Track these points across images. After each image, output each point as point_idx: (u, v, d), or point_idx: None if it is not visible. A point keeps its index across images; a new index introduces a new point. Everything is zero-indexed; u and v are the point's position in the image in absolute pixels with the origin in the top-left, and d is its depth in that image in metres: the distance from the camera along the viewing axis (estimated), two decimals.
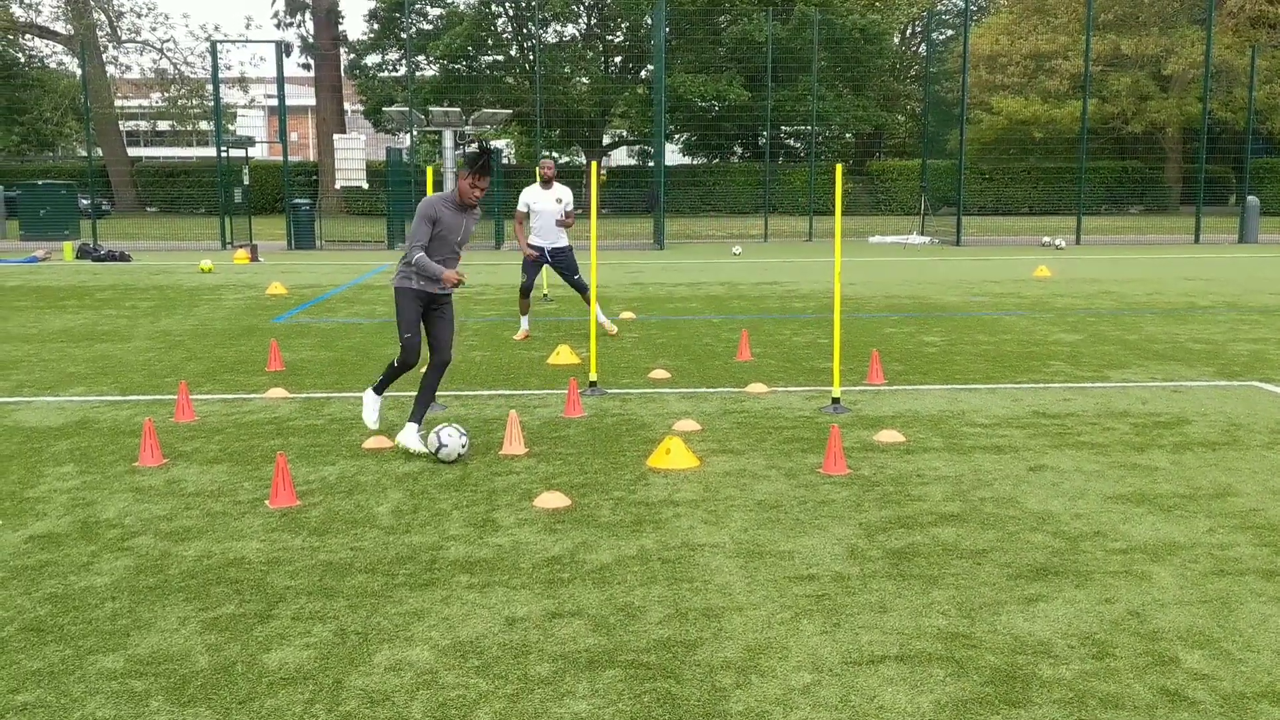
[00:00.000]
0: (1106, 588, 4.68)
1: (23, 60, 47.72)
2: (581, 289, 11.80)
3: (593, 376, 8.91)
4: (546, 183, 11.65)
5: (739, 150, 48.07)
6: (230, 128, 44.50)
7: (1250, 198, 29.81)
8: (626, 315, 13.61)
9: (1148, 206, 44.77)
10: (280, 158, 32.15)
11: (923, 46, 50.00)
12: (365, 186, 32.61)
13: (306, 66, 46.36)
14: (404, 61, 39.25)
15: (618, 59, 47.49)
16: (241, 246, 24.99)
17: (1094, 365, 10.06)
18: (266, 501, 5.94)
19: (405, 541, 5.31)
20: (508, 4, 44.44)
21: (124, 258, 23.89)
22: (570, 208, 11.74)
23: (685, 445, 6.77)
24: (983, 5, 54.37)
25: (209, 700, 3.72)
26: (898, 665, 3.95)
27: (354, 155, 29.37)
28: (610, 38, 47.45)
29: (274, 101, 31.20)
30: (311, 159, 52.28)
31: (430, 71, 44.03)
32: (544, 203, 11.63)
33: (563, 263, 11.76)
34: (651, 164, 34.66)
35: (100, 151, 44.24)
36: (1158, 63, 41.72)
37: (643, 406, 8.37)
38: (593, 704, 3.68)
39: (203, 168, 45.92)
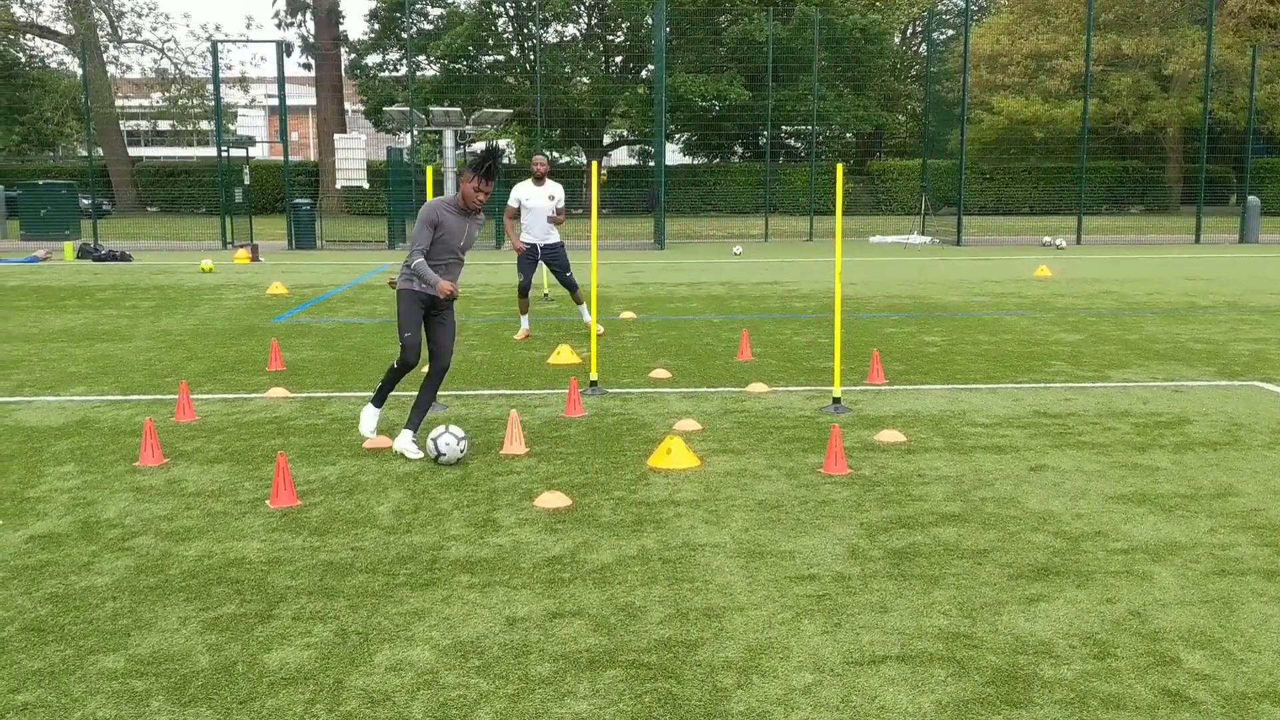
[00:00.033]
0: (1108, 588, 4.68)
1: (23, 60, 47.72)
2: (571, 286, 11.85)
3: (593, 376, 8.91)
4: (539, 179, 11.67)
5: (739, 150, 48.07)
6: (231, 128, 44.51)
7: (1251, 198, 29.81)
8: (627, 315, 13.61)
9: (1148, 206, 44.77)
10: (281, 157, 32.14)
11: (923, 46, 50.01)
12: (366, 186, 32.63)
13: (307, 66, 46.36)
14: (405, 61, 39.23)
15: (618, 59, 47.49)
16: (242, 246, 24.99)
17: (1095, 365, 10.06)
18: (267, 501, 5.94)
19: (406, 541, 5.31)
20: (508, 4, 44.44)
21: (125, 257, 23.89)
22: (561, 204, 11.76)
23: (686, 445, 6.77)
24: (983, 5, 54.36)
25: (210, 700, 3.72)
26: (899, 665, 3.95)
27: (355, 155, 29.38)
28: (611, 37, 47.45)
29: (275, 101, 31.21)
30: (312, 159, 52.29)
31: (431, 71, 44.04)
32: (536, 199, 11.64)
33: (555, 259, 11.80)
34: (652, 164, 34.66)
35: (101, 151, 44.25)
36: (1158, 62, 41.72)
37: (643, 406, 8.37)
38: (594, 704, 3.68)
39: (203, 167, 45.92)
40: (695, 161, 49.53)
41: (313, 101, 50.09)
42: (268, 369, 9.96)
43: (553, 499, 5.87)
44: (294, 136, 60.50)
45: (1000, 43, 44.25)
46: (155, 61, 47.76)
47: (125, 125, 53.62)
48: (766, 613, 4.43)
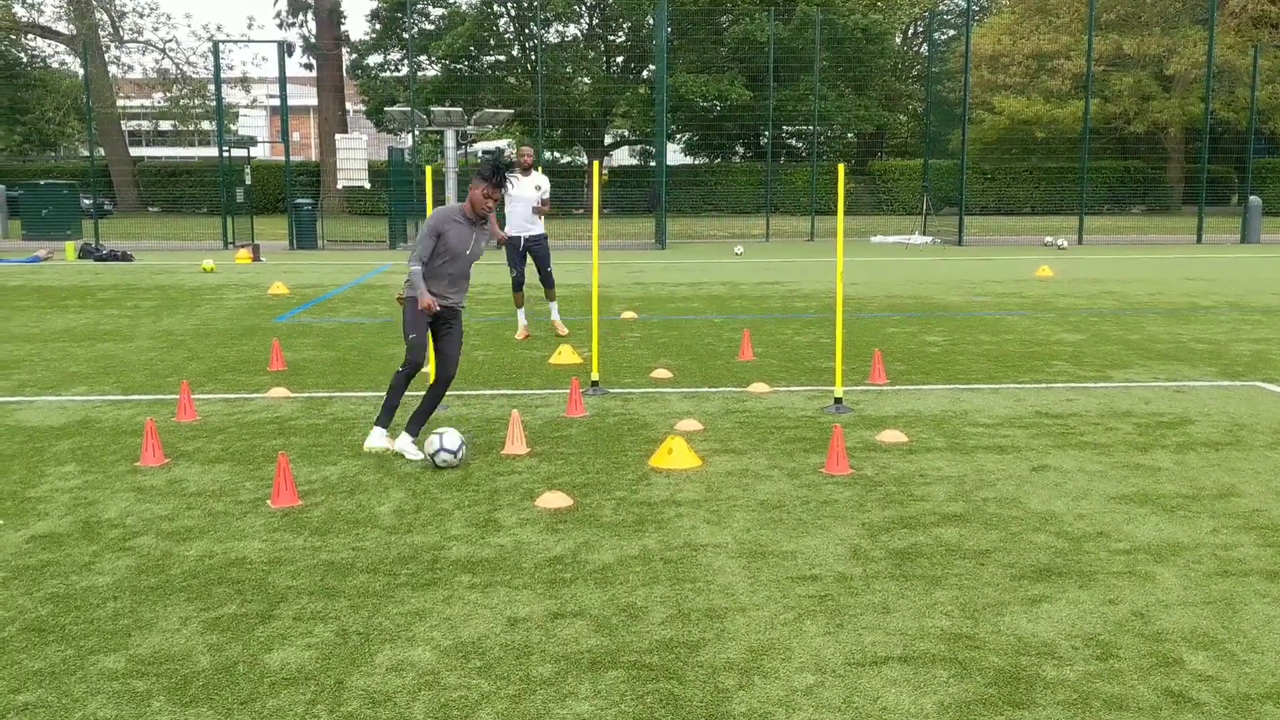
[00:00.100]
0: (1110, 588, 4.67)
1: (25, 60, 47.73)
2: (548, 282, 11.89)
3: (595, 376, 8.91)
4: (525, 170, 11.68)
5: (741, 150, 48.06)
6: (232, 128, 44.42)
7: (1252, 198, 29.79)
8: (628, 315, 13.61)
9: (1150, 206, 44.73)
10: (282, 158, 32.13)
11: (925, 46, 49.99)
12: (367, 186, 32.60)
13: (309, 66, 46.37)
14: (406, 61, 39.24)
15: (619, 59, 47.48)
16: (243, 246, 24.99)
17: (1096, 365, 10.05)
18: (268, 501, 5.94)
19: (407, 541, 5.31)
20: (510, 4, 44.44)
21: (126, 257, 23.90)
22: (547, 195, 11.78)
23: (687, 445, 6.76)
24: (985, 5, 54.34)
25: (210, 700, 3.72)
26: (901, 666, 3.94)
27: (356, 155, 29.38)
28: (612, 38, 47.44)
29: (276, 101, 31.22)
30: (313, 159, 52.30)
31: (432, 71, 44.05)
32: (521, 189, 11.67)
33: (538, 252, 11.83)
34: (653, 164, 34.64)
35: (102, 151, 44.25)
36: (1160, 63, 41.69)
37: (645, 406, 8.36)
38: (595, 705, 3.68)
39: (205, 167, 45.92)
40: (696, 161, 49.52)
41: (314, 102, 50.07)
42: (269, 369, 9.96)
43: (554, 499, 5.87)
44: (295, 137, 60.45)
45: (1002, 43, 44.22)
46: (157, 62, 47.81)
47: (127, 125, 53.64)
48: (768, 613, 4.42)
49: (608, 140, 49.33)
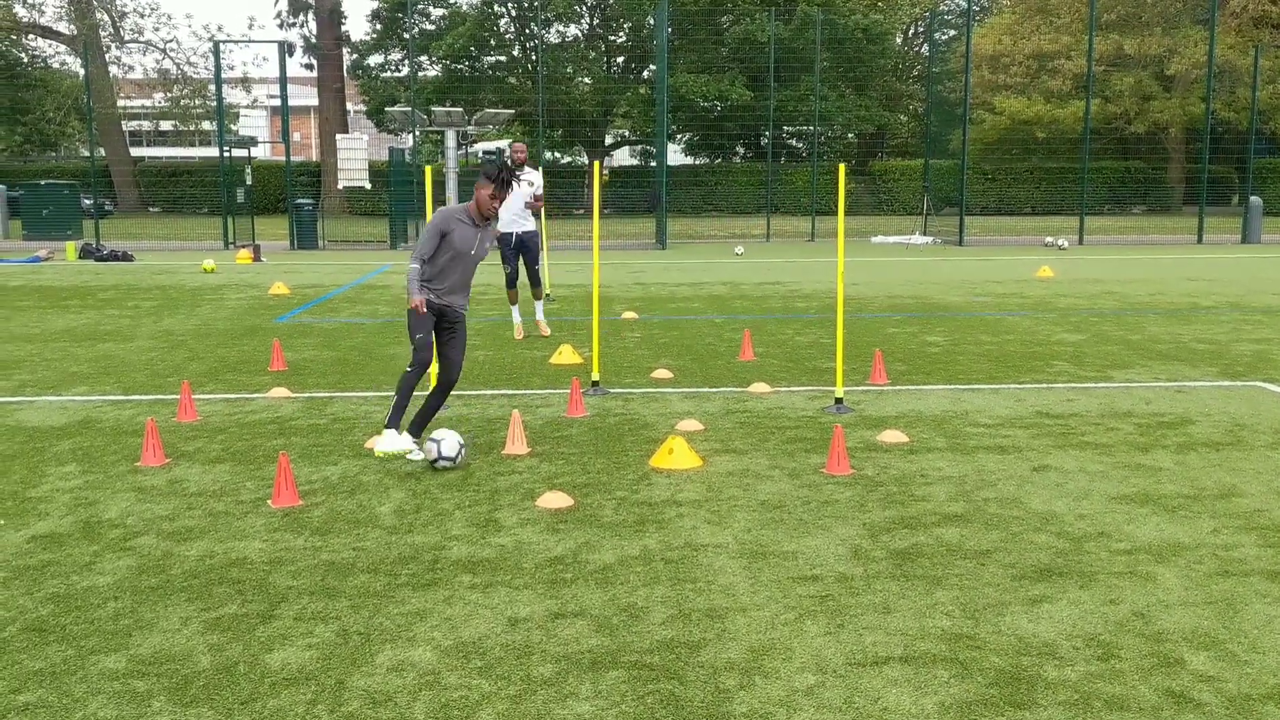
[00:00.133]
0: (1111, 589, 4.67)
1: (26, 60, 47.74)
2: (535, 281, 11.90)
3: (595, 376, 8.91)
4: (519, 166, 11.67)
5: (741, 150, 48.04)
6: (233, 128, 44.41)
7: (1253, 198, 29.78)
8: (629, 315, 13.61)
9: (1150, 207, 44.71)
10: (283, 158, 32.13)
11: (925, 46, 49.97)
12: (368, 186, 32.59)
13: (309, 67, 46.34)
14: (407, 62, 39.25)
15: (620, 59, 47.48)
16: (244, 246, 24.99)
17: (1097, 365, 10.05)
18: (269, 501, 5.94)
19: (407, 541, 5.31)
20: (510, 4, 44.44)
21: (126, 258, 23.90)
22: (539, 191, 11.77)
23: (688, 445, 6.76)
24: (985, 5, 54.32)
25: (211, 700, 3.72)
26: (902, 666, 3.94)
27: (356, 155, 29.38)
28: (613, 38, 47.43)
29: (277, 102, 31.23)
30: (314, 159, 52.30)
31: (433, 72, 44.04)
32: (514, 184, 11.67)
33: (528, 248, 11.82)
34: (654, 164, 34.64)
35: (103, 151, 44.25)
36: (1161, 63, 41.67)
37: (645, 406, 8.36)
38: (596, 705, 3.67)
39: (205, 168, 45.90)
40: (697, 162, 49.51)
41: (315, 102, 50.09)
42: (269, 369, 9.96)
43: (555, 499, 5.87)
44: (296, 137, 60.50)
45: (1002, 43, 44.21)
46: (157, 62, 47.79)
47: (127, 125, 53.63)
48: (769, 613, 4.42)
49: (608, 140, 49.33)
